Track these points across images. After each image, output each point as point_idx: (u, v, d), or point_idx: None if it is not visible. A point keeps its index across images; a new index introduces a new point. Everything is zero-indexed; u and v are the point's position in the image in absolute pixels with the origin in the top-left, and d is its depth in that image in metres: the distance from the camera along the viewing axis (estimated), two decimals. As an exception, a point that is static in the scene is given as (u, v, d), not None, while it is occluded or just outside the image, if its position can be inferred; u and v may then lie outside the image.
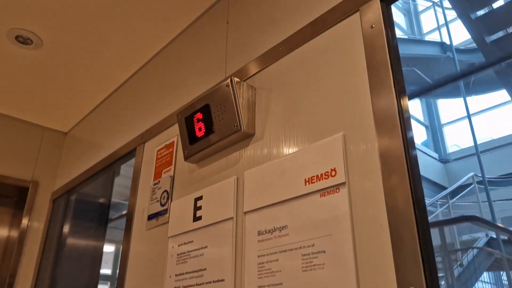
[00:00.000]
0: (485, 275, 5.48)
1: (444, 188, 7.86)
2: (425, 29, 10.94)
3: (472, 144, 7.38)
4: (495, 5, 5.68)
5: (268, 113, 1.36)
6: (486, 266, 5.19)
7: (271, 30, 1.48)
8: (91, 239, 2.70)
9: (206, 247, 1.37)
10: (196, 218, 1.45)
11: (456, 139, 10.00)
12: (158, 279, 1.55)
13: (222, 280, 1.26)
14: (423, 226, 0.89)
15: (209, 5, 1.87)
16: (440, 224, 5.05)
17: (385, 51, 1.08)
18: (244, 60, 1.55)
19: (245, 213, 1.27)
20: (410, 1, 11.24)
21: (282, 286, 1.07)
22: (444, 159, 9.78)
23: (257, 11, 1.59)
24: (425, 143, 10.12)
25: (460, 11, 5.80)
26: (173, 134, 1.79)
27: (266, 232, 1.17)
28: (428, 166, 8.85)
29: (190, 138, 1.54)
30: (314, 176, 1.09)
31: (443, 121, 10.50)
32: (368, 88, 1.08)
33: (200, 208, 1.45)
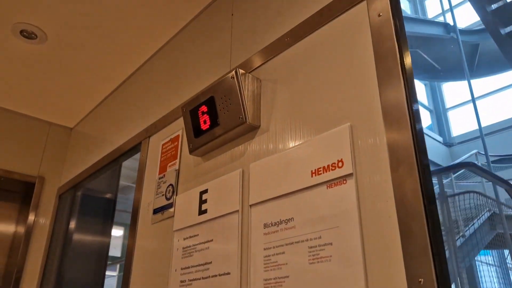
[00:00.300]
0: (490, 258, 5.51)
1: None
2: (429, 15, 10.86)
3: (477, 127, 7.40)
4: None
5: (274, 105, 1.35)
6: (488, 240, 5.15)
7: (277, 21, 1.46)
8: (98, 234, 2.70)
9: (211, 240, 1.36)
10: (201, 212, 1.44)
11: (461, 123, 10.06)
12: (163, 273, 1.54)
13: (228, 274, 1.25)
14: (433, 218, 0.87)
15: (213, -3, 1.86)
16: (438, 172, 5.00)
17: (393, 40, 1.06)
18: (249, 52, 1.53)
19: (250, 206, 1.26)
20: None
21: (289, 279, 1.06)
22: (448, 143, 9.84)
23: (262, 2, 1.57)
24: (429, 127, 10.16)
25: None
26: (178, 127, 1.78)
27: (272, 224, 1.16)
28: (432, 149, 8.94)
29: (195, 131, 1.52)
30: (320, 168, 1.08)
31: (447, 105, 10.56)
32: (376, 78, 1.06)
33: (205, 201, 1.44)
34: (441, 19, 9.66)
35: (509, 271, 5.69)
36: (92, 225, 2.73)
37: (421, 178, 0.89)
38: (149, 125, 2.01)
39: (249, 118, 1.35)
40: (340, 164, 1.04)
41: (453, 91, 10.55)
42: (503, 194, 5.69)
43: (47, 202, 2.79)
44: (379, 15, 1.10)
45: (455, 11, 8.62)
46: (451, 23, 8.22)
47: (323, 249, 1.00)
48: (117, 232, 2.43)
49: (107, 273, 2.55)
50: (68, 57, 2.28)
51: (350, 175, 1.01)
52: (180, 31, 2.05)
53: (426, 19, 9.79)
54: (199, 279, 1.35)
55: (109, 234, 2.71)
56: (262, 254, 1.15)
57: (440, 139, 9.93)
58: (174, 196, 1.63)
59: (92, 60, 2.31)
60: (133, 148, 2.12)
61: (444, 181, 4.97)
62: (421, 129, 0.98)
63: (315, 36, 1.29)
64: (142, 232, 1.78)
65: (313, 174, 1.09)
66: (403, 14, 1.10)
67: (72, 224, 2.65)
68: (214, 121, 1.45)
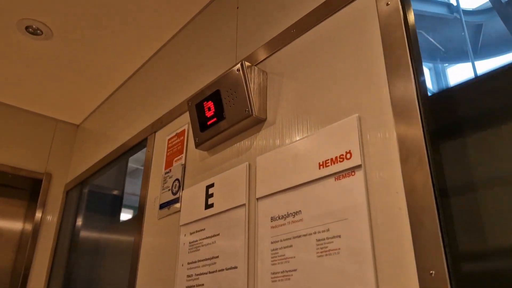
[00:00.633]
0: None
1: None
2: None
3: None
4: None
5: (280, 97, 1.33)
6: None
7: (282, 13, 1.44)
8: (105, 230, 2.70)
9: (218, 234, 1.35)
10: (208, 206, 1.43)
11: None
12: (170, 267, 1.54)
13: (235, 268, 1.23)
14: (444, 209, 0.85)
15: (218, -9, 1.84)
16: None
17: (401, 29, 1.04)
18: (255, 45, 1.51)
19: (257, 199, 1.24)
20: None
21: (296, 272, 1.04)
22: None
23: (267, -6, 1.55)
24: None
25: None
26: (184, 122, 1.77)
27: (279, 218, 1.15)
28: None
29: (201, 125, 1.51)
30: (328, 160, 1.06)
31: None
32: (384, 68, 1.04)
33: (211, 195, 1.43)
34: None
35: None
36: (99, 221, 2.74)
37: (431, 169, 0.88)
38: (155, 120, 2.00)
39: (255, 111, 1.33)
40: (348, 155, 1.02)
41: (458, 75, 10.46)
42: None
43: (54, 198, 2.80)
44: (387, 4, 1.08)
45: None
46: (455, 3, 8.13)
47: (331, 242, 0.99)
48: (125, 216, 2.45)
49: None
50: (74, 53, 2.28)
51: (359, 166, 0.99)
52: (185, 26, 2.04)
53: (429, -1, 9.68)
54: (206, 273, 1.34)
55: (116, 229, 2.71)
56: (269, 247, 1.14)
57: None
58: (181, 191, 1.62)
59: (98, 56, 2.30)
60: (139, 143, 2.11)
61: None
62: (432, 118, 0.96)
63: (321, 27, 1.27)
64: (149, 227, 1.78)
65: (321, 166, 1.07)
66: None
67: (79, 220, 2.65)
68: (220, 115, 1.43)
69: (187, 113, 1.68)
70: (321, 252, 1.00)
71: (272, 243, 1.14)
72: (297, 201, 1.11)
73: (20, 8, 1.96)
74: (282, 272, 1.08)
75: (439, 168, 0.88)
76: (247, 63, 1.39)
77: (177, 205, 1.61)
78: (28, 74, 2.47)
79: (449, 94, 1.06)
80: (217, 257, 1.32)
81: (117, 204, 2.73)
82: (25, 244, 2.66)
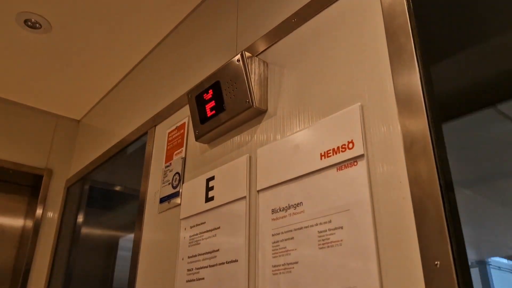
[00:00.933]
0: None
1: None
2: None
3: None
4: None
5: (281, 88, 1.31)
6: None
7: (283, 2, 1.42)
8: (106, 226, 2.69)
9: (218, 228, 1.33)
10: (208, 199, 1.41)
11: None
12: (170, 261, 1.52)
13: (236, 261, 1.21)
14: (449, 198, 0.82)
15: (219, -18, 1.81)
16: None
17: (405, 16, 1.01)
18: (255, 36, 1.49)
19: (258, 191, 1.22)
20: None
21: (298, 265, 1.02)
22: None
23: (268, -16, 1.53)
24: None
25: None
26: (184, 115, 1.75)
27: (280, 210, 1.12)
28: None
29: (201, 117, 1.49)
30: (330, 150, 1.03)
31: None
32: (387, 56, 1.02)
33: (212, 188, 1.41)
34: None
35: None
36: (100, 216, 2.72)
37: (436, 157, 0.85)
38: (155, 114, 1.98)
39: (255, 102, 1.31)
40: (350, 145, 0.99)
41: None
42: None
43: (55, 194, 2.79)
44: (390, -10, 1.05)
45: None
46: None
47: (333, 233, 0.96)
48: (126, 210, 2.49)
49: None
50: (73, 47, 2.26)
51: (361, 156, 0.97)
52: (185, 18, 2.02)
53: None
54: (206, 267, 1.32)
55: (117, 226, 2.69)
56: (271, 240, 1.12)
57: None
58: (181, 185, 1.60)
59: (97, 50, 2.28)
60: (140, 138, 2.09)
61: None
62: (436, 106, 0.93)
63: (322, 15, 1.24)
64: (149, 221, 1.76)
65: (322, 157, 1.05)
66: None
67: (81, 216, 2.64)
68: (220, 107, 1.41)
69: (187, 106, 1.66)
70: (323, 244, 0.98)
71: (273, 235, 1.12)
72: (298, 192, 1.09)
73: (19, 1, 1.94)
74: (283, 265, 1.06)
75: (444, 155, 0.86)
76: (247, 53, 1.36)
77: (178, 198, 1.59)
78: (28, 69, 2.45)
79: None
80: (218, 250, 1.30)
81: (119, 199, 2.71)
82: (26, 240, 2.65)
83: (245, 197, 1.26)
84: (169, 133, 1.81)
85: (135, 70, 2.41)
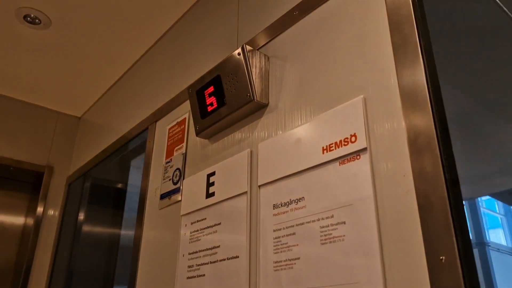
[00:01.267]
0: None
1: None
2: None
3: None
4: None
5: (283, 81, 1.29)
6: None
7: (285, -5, 1.39)
8: (108, 223, 2.68)
9: (219, 224, 1.31)
10: (209, 195, 1.39)
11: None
12: (171, 258, 1.50)
13: (237, 257, 1.20)
14: (454, 191, 0.80)
15: (219, -24, 1.79)
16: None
17: (408, 6, 0.99)
18: (256, 29, 1.47)
19: (259, 186, 1.20)
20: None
21: (300, 260, 1.00)
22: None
23: (269, -24, 1.50)
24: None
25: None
26: (185, 110, 1.73)
27: (281, 205, 1.10)
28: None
29: (202, 112, 1.47)
30: (332, 143, 1.01)
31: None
32: (391, 47, 0.99)
33: (212, 184, 1.39)
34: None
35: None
36: (102, 214, 2.71)
37: (441, 149, 0.83)
38: (155, 110, 1.96)
39: (257, 96, 1.29)
40: (353, 138, 0.97)
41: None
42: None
43: (56, 191, 2.78)
44: (393, -20, 1.03)
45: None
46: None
47: (335, 228, 0.95)
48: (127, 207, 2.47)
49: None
50: (73, 43, 2.24)
51: (364, 149, 0.94)
52: (186, 13, 2.00)
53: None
54: (207, 263, 1.30)
55: (119, 223, 2.68)
56: (272, 236, 1.10)
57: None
58: (181, 180, 1.58)
59: (97, 46, 2.26)
60: (140, 133, 2.08)
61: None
62: (440, 98, 0.91)
63: (324, 7, 1.22)
64: (150, 217, 1.74)
65: (325, 151, 1.03)
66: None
67: (82, 213, 2.62)
68: (220, 101, 1.39)
69: (188, 102, 1.64)
70: (325, 240, 0.96)
71: (274, 231, 1.10)
72: (300, 187, 1.07)
73: (18, -4, 1.93)
74: (285, 261, 1.04)
75: (449, 149, 0.84)
76: (248, 47, 1.34)
77: (178, 195, 1.57)
78: (28, 65, 2.44)
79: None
80: (218, 246, 1.28)
81: (120, 196, 2.70)
82: (27, 237, 2.64)
83: (246, 192, 1.24)
84: (169, 128, 1.79)
85: (135, 66, 2.39)
